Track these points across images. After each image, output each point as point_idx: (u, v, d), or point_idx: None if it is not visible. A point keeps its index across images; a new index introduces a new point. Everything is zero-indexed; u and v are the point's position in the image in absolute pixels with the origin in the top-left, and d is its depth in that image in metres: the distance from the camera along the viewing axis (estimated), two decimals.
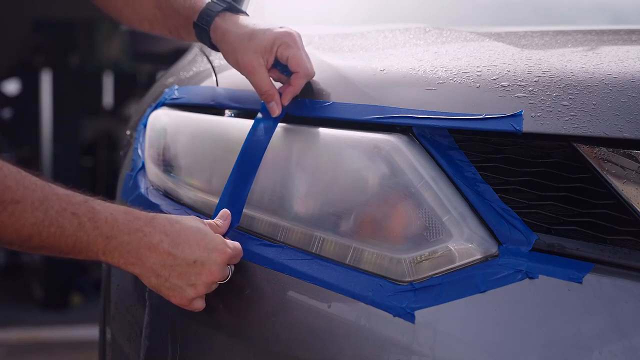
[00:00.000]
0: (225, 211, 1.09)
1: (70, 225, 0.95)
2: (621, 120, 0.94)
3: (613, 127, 0.94)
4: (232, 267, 1.05)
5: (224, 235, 1.08)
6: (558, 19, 1.98)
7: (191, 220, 1.04)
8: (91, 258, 0.99)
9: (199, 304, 1.04)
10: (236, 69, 1.18)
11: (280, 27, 1.15)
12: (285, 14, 2.00)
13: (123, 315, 1.30)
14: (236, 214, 1.09)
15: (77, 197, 0.98)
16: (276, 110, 1.13)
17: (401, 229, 1.00)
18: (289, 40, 1.13)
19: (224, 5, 1.21)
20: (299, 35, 1.16)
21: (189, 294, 1.02)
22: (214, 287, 1.04)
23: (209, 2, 1.23)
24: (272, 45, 1.13)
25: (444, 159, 1.01)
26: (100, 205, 0.99)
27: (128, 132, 1.58)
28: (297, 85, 1.13)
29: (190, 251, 1.00)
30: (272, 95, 1.13)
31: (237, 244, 1.05)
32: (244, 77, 1.17)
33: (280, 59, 1.14)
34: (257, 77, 1.13)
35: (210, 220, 1.08)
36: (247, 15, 1.22)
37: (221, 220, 1.09)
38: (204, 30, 1.22)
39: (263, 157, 1.10)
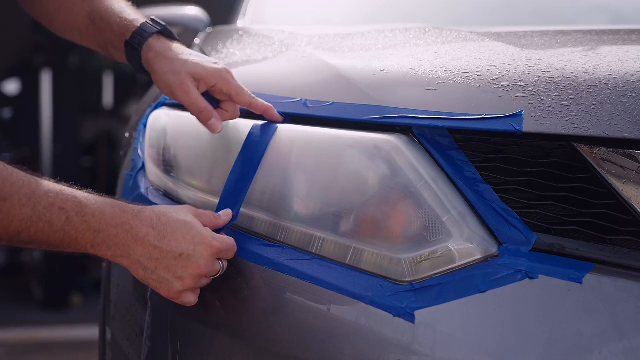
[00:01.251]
0: (227, 210, 1.10)
1: (58, 220, 0.96)
2: (621, 120, 0.94)
3: (613, 127, 0.94)
4: (224, 263, 1.05)
5: (220, 231, 1.07)
6: (558, 19, 1.98)
7: (180, 213, 1.04)
8: (80, 251, 1.00)
9: (189, 298, 1.04)
10: (166, 90, 1.18)
11: (215, 63, 1.17)
12: (285, 14, 2.00)
13: (123, 315, 1.30)
14: (235, 213, 1.10)
15: (65, 192, 0.98)
16: (218, 127, 1.14)
17: (401, 229, 1.00)
18: (229, 77, 1.15)
19: (159, 28, 1.21)
20: (231, 72, 1.18)
21: (177, 286, 1.02)
22: (205, 281, 1.04)
23: (143, 23, 1.22)
24: (209, 77, 1.14)
25: (444, 159, 1.01)
26: (88, 199, 0.99)
27: (127, 135, 1.58)
28: (233, 111, 1.17)
29: (176, 244, 1.01)
30: (210, 112, 1.14)
31: (228, 239, 1.05)
32: (246, 76, 1.17)
33: (218, 94, 1.16)
34: (192, 97, 1.14)
35: (208, 212, 1.08)
36: (180, 43, 1.22)
37: (221, 216, 1.09)
38: (135, 49, 1.21)
39: (263, 157, 1.10)
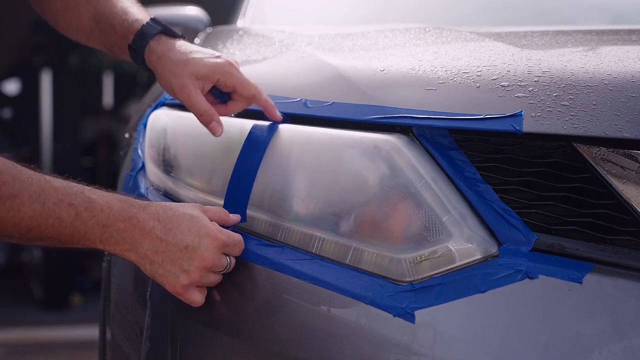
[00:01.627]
0: (236, 214, 1.10)
1: (67, 216, 0.97)
2: (621, 120, 0.94)
3: (613, 127, 0.94)
4: (232, 259, 1.05)
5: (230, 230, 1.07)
6: (558, 19, 1.98)
7: (186, 208, 1.05)
8: (89, 246, 1.01)
9: (196, 296, 1.04)
10: (170, 93, 1.18)
11: (218, 57, 1.16)
12: (285, 14, 2.00)
13: (123, 315, 1.30)
14: (242, 215, 1.10)
15: (73, 188, 0.99)
16: (219, 130, 1.14)
17: (401, 229, 1.00)
18: (232, 70, 1.15)
19: (159, 28, 1.20)
20: (237, 63, 1.18)
21: (183, 280, 1.02)
22: (212, 278, 1.04)
23: (144, 25, 1.21)
24: (211, 72, 1.14)
25: (444, 159, 1.01)
26: (95, 194, 1.01)
27: (127, 135, 1.58)
28: (244, 100, 1.17)
29: (181, 237, 1.01)
30: (212, 115, 1.14)
31: (235, 234, 1.05)
32: (247, 76, 1.17)
33: (224, 87, 1.16)
34: (193, 100, 1.14)
35: (216, 207, 1.08)
36: (183, 39, 1.21)
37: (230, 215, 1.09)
38: (138, 53, 1.20)
39: (263, 157, 1.10)
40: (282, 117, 1.13)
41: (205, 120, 1.14)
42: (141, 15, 1.24)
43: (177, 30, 1.24)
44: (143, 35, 1.20)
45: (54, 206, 0.96)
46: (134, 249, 1.01)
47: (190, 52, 1.17)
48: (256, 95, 1.15)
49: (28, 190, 0.95)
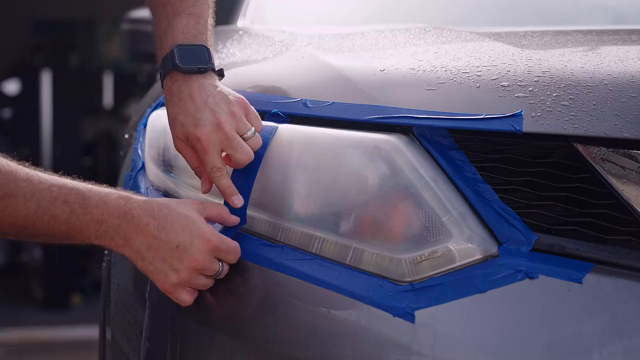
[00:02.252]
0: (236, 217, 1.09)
1: (62, 213, 0.98)
2: (621, 120, 0.94)
3: (613, 127, 0.94)
4: (225, 266, 1.05)
5: (229, 235, 1.07)
6: (558, 19, 1.98)
7: (183, 207, 1.05)
8: (85, 242, 1.02)
9: (184, 296, 1.04)
10: None
11: (196, 124, 1.06)
12: (285, 14, 2.00)
13: (123, 315, 1.30)
14: (242, 215, 1.10)
15: (68, 185, 1.00)
16: (202, 187, 1.11)
17: (401, 229, 1.00)
18: (197, 145, 1.07)
19: (170, 67, 1.11)
20: (219, 126, 1.06)
21: (172, 279, 1.03)
22: (203, 281, 1.04)
23: (162, 58, 1.13)
24: (186, 140, 1.08)
25: (444, 159, 1.01)
26: (91, 190, 1.01)
27: (127, 135, 1.58)
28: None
29: (174, 235, 1.02)
30: (199, 173, 1.11)
31: (230, 241, 1.05)
32: (246, 76, 1.16)
33: None
34: (185, 157, 1.11)
35: (215, 203, 1.08)
36: (200, 72, 1.10)
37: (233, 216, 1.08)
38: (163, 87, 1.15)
39: (263, 157, 1.10)
40: (207, 189, 1.10)
41: (196, 175, 1.12)
42: (173, 38, 1.14)
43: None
44: (163, 69, 1.13)
45: (48, 204, 0.97)
46: (128, 244, 1.02)
47: (181, 108, 1.08)
48: (210, 175, 1.08)
49: (22, 190, 0.96)
